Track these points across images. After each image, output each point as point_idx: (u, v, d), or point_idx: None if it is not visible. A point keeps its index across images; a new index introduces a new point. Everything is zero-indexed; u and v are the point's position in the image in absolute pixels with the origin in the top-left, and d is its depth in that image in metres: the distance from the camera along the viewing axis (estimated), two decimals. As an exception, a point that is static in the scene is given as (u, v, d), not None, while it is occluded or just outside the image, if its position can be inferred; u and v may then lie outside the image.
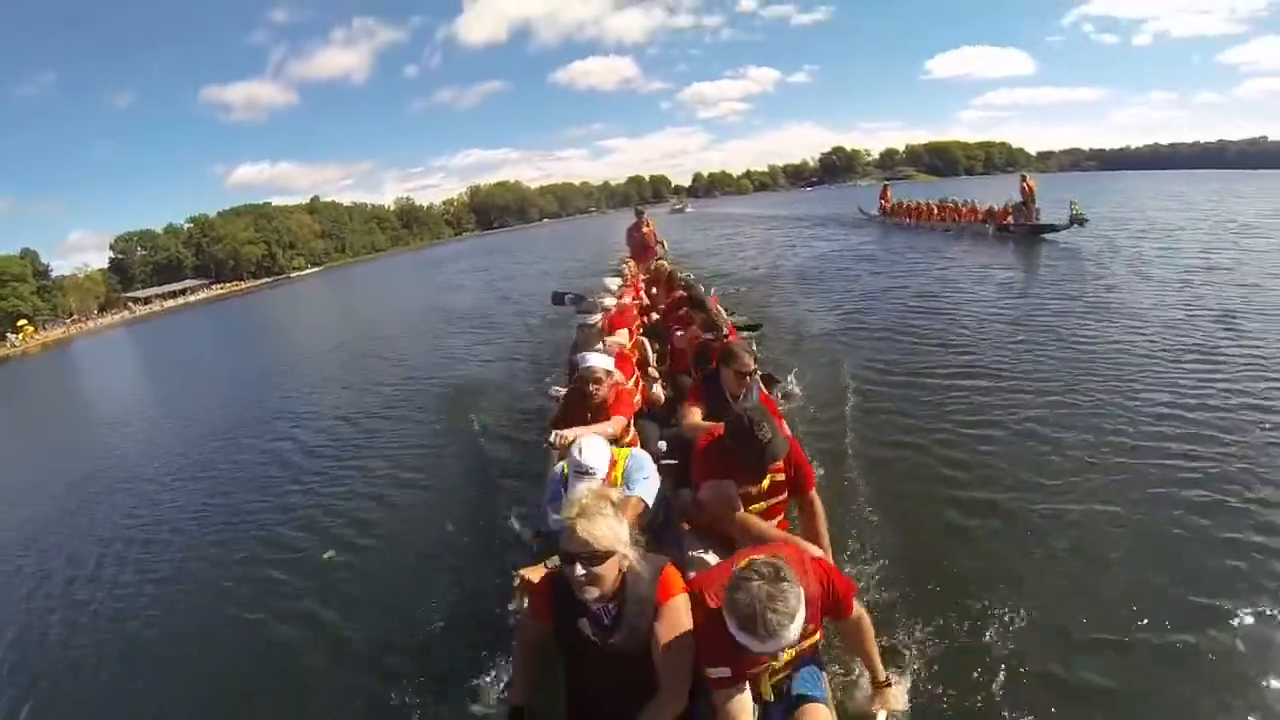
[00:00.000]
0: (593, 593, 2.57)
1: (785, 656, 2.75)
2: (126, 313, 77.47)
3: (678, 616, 2.67)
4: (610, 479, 3.88)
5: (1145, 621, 4.10)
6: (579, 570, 2.52)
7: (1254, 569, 4.52)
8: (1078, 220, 21.78)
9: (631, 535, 2.70)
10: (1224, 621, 4.03)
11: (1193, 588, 4.36)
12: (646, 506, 3.92)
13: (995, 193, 29.57)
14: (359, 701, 4.42)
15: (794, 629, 2.33)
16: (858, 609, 3.02)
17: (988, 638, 4.07)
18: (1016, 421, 7.34)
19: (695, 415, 4.92)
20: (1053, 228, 22.83)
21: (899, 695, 3.32)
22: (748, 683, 2.64)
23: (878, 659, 3.22)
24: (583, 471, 3.76)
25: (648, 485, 4.00)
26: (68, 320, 74.02)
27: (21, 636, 6.31)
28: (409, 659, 4.70)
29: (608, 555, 2.55)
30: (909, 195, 37.39)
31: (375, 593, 5.83)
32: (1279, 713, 3.42)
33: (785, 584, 2.33)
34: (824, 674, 3.07)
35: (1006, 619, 4.19)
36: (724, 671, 2.54)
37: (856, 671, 3.58)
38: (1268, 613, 4.07)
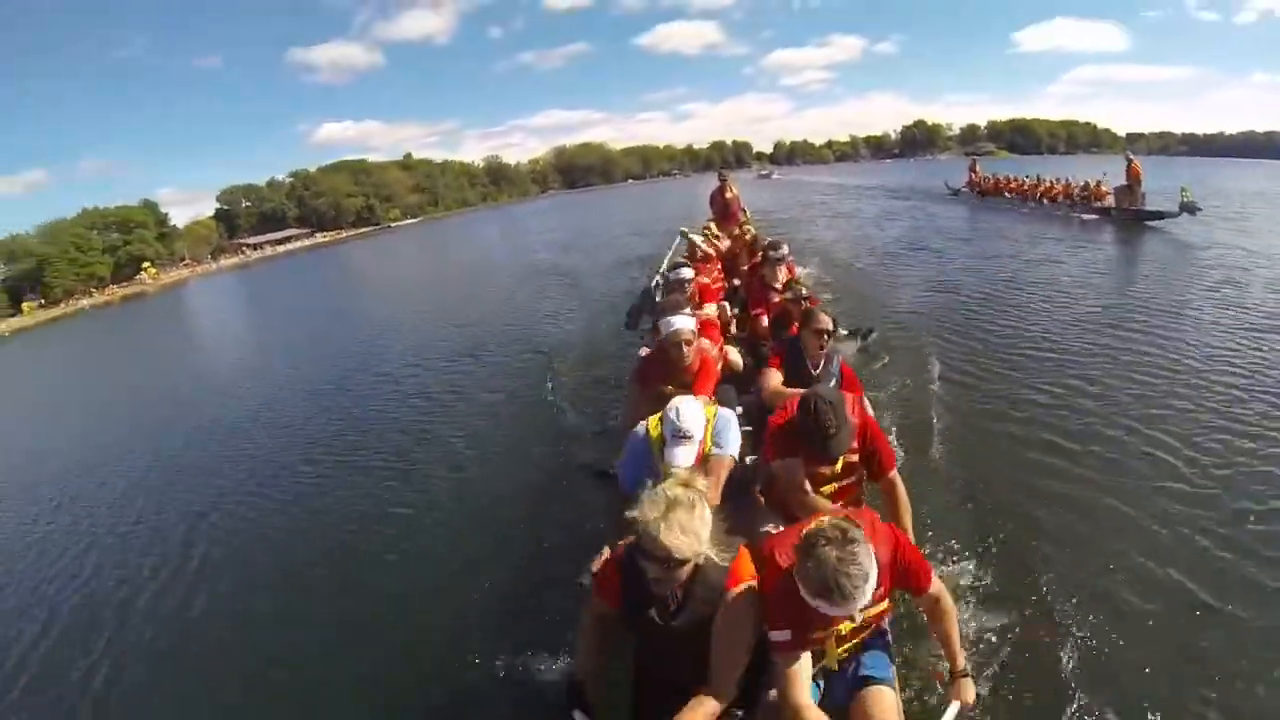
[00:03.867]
0: (665, 589, 2.56)
1: (846, 625, 2.62)
2: (241, 256, 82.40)
3: (741, 604, 2.57)
4: (703, 444, 3.84)
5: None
6: (654, 571, 2.49)
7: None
8: (1189, 208, 19.36)
9: (713, 500, 2.81)
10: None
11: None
12: (735, 461, 3.95)
13: (1083, 172, 27.23)
14: (421, 666, 4.48)
15: (868, 589, 2.26)
16: (937, 585, 2.80)
17: (1063, 637, 3.98)
18: (1109, 423, 6.91)
19: (774, 379, 4.98)
20: (1160, 214, 20.43)
21: (970, 688, 2.86)
22: (809, 651, 2.57)
23: (958, 645, 2.91)
24: (681, 436, 3.73)
25: (735, 443, 3.99)
26: (182, 263, 79.53)
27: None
28: (476, 628, 4.67)
29: (686, 561, 2.49)
30: (996, 171, 34.92)
31: (446, 558, 5.80)
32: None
33: (855, 545, 2.26)
34: (892, 658, 2.97)
35: (1085, 623, 4.08)
36: (785, 635, 2.48)
37: (929, 660, 3.62)
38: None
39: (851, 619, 2.52)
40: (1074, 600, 4.28)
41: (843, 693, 2.78)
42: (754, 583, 2.61)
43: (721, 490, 3.76)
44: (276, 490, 7.93)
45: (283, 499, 7.66)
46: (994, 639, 3.96)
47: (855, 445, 3.62)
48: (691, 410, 3.82)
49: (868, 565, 2.26)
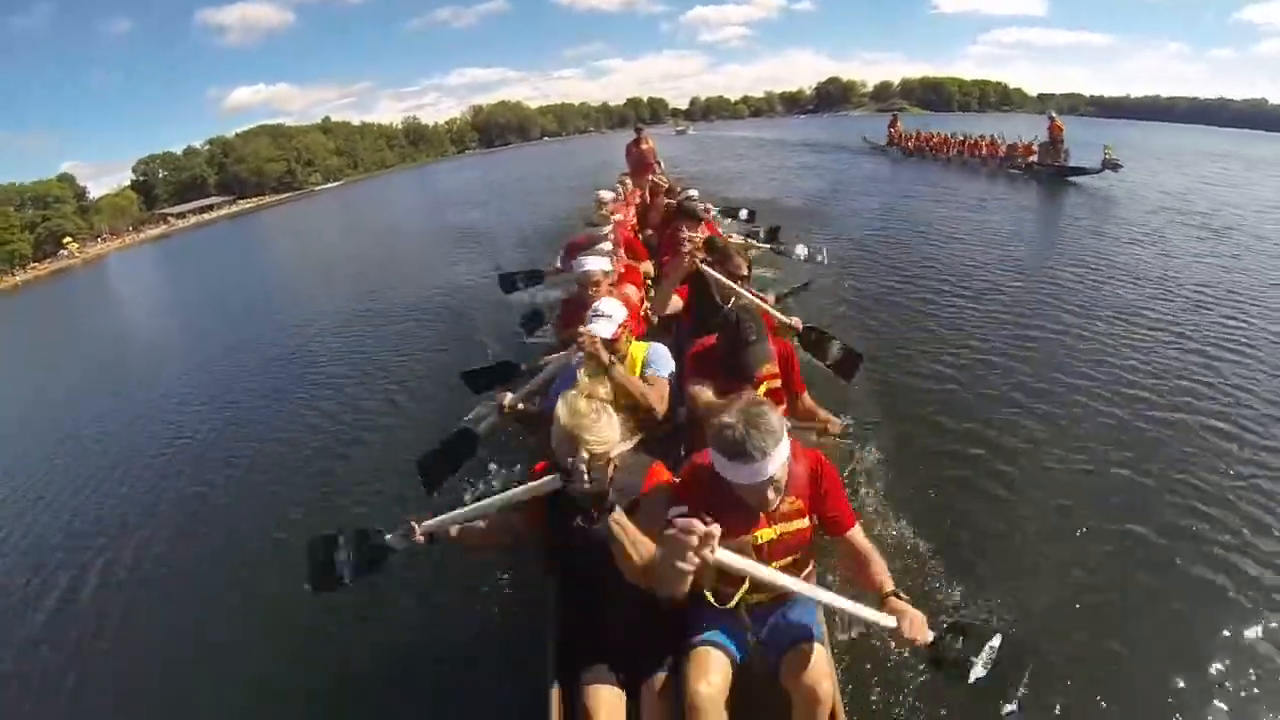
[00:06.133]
0: (580, 489, 2.40)
1: (766, 534, 2.44)
2: (165, 226, 78.28)
3: (660, 491, 2.57)
4: (630, 366, 3.82)
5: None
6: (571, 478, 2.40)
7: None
8: (1111, 165, 19.21)
9: (624, 430, 2.58)
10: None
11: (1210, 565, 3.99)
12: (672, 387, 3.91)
13: (994, 129, 27.64)
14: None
15: (779, 453, 2.19)
16: (858, 529, 2.56)
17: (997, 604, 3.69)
18: (1031, 374, 6.74)
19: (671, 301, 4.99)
20: (1083, 170, 20.33)
21: (906, 607, 2.29)
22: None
23: (883, 571, 2.46)
24: (599, 315, 3.72)
25: (669, 367, 3.94)
26: (105, 237, 75.27)
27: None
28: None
29: (602, 466, 2.43)
30: (915, 126, 34.21)
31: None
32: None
33: (764, 408, 2.23)
34: (818, 609, 2.71)
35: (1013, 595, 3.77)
36: (682, 510, 2.30)
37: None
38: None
39: (770, 528, 2.44)
40: (999, 575, 3.97)
41: (771, 652, 2.56)
42: (671, 482, 2.62)
43: (664, 415, 3.79)
44: (193, 473, 7.26)
45: (197, 481, 7.02)
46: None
47: (775, 370, 3.70)
48: (611, 301, 3.89)
49: (777, 425, 2.20)
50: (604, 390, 2.65)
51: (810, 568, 2.65)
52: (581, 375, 3.31)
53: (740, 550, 2.36)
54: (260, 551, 5.38)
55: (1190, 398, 6.07)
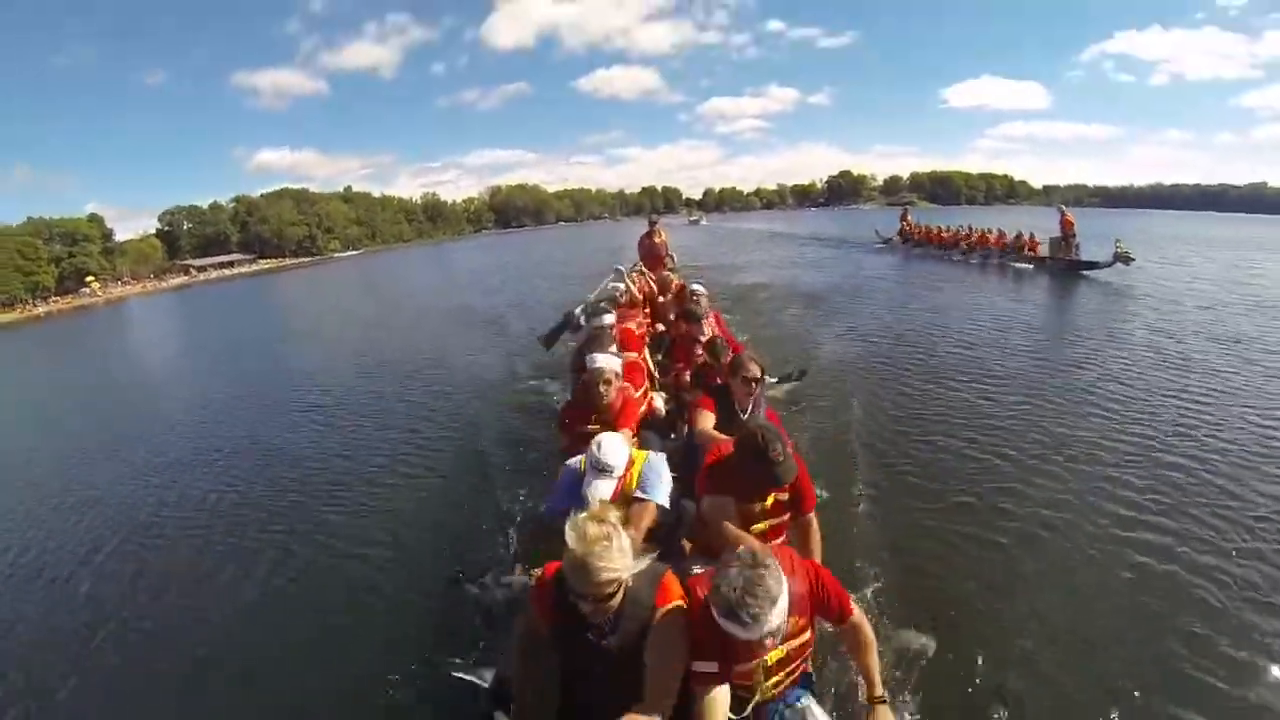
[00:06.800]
0: (599, 618, 2.47)
1: (775, 654, 2.55)
2: (187, 276, 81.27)
3: (672, 622, 2.52)
4: (626, 480, 3.71)
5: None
6: (586, 607, 2.41)
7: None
8: (1123, 258, 19.28)
9: (635, 545, 2.54)
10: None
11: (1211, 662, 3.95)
12: (662, 511, 3.76)
13: (1003, 222, 28.68)
14: (345, 682, 4.33)
15: (776, 615, 2.23)
16: (858, 615, 2.75)
17: (984, 672, 3.90)
18: (1040, 470, 6.65)
19: (708, 419, 4.67)
20: (1095, 264, 20.34)
21: (887, 713, 2.75)
22: (736, 684, 2.56)
23: (876, 674, 2.80)
24: (601, 469, 3.62)
25: (664, 490, 3.78)
26: (127, 280, 77.99)
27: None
28: (401, 644, 4.56)
29: (615, 592, 2.42)
30: (923, 220, 34.68)
31: (368, 576, 5.64)
32: None
33: (763, 570, 2.24)
34: (815, 694, 2.91)
35: (1006, 658, 4.01)
36: (711, 666, 2.44)
37: (854, 694, 3.47)
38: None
39: (777, 648, 2.51)
40: (986, 627, 4.32)
41: None
42: (683, 602, 2.56)
43: (645, 535, 3.52)
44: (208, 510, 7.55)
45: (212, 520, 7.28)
46: (910, 664, 3.95)
47: (784, 493, 3.55)
48: (613, 444, 3.73)
49: (775, 590, 2.22)
50: (614, 514, 2.61)
51: (807, 637, 2.71)
52: (592, 495, 3.49)
53: (752, 672, 2.55)
54: (261, 602, 5.54)
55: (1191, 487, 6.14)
